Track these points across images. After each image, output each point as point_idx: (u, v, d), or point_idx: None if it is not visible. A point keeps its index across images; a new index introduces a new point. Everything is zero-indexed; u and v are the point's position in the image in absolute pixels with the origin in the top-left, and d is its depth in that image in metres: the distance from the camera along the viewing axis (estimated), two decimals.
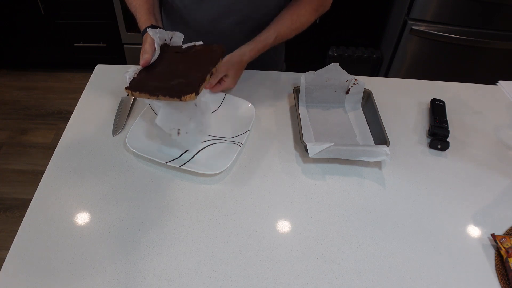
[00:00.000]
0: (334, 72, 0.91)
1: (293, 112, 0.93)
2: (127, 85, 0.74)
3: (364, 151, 0.78)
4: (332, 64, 0.90)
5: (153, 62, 0.79)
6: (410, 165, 0.83)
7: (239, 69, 0.91)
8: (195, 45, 0.83)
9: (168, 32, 0.83)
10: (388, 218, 0.73)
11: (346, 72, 0.91)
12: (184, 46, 0.83)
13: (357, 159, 0.80)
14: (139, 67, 0.77)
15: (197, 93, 0.71)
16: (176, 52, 0.82)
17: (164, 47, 0.83)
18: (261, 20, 0.96)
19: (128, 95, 0.75)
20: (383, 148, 0.78)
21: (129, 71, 0.76)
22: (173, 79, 0.74)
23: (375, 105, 0.91)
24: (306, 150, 0.79)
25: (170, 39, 0.83)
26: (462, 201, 0.77)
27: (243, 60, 0.91)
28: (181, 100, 0.70)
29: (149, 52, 0.77)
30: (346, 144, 0.80)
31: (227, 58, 0.89)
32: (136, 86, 0.74)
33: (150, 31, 0.79)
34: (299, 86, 0.93)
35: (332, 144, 0.77)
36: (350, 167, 0.82)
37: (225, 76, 0.90)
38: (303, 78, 0.91)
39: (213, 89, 0.91)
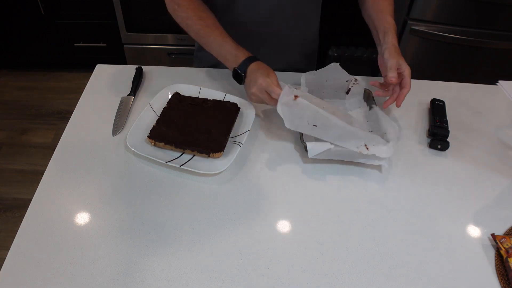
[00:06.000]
0: (334, 72, 0.91)
1: None
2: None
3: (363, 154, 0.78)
4: (332, 64, 0.90)
5: (171, 113, 0.86)
6: (410, 165, 0.83)
7: (400, 53, 0.86)
8: (208, 100, 0.90)
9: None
10: (388, 218, 0.73)
11: (346, 72, 0.91)
12: (198, 98, 0.90)
13: (356, 161, 0.80)
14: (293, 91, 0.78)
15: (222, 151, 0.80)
16: (191, 104, 0.89)
17: (179, 98, 0.90)
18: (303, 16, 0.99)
19: (152, 144, 0.80)
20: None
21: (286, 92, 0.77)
22: (196, 134, 0.82)
23: (374, 103, 0.91)
24: (306, 150, 0.79)
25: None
26: (462, 201, 0.77)
27: (395, 45, 0.87)
28: (209, 156, 0.79)
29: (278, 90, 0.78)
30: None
31: (386, 54, 0.85)
32: (160, 137, 0.80)
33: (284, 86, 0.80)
34: (299, 86, 0.93)
35: (332, 146, 0.77)
36: (350, 167, 0.82)
37: (399, 66, 0.84)
38: (303, 79, 0.91)
39: (404, 88, 0.85)
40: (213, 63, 1.03)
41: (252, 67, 0.82)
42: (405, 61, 0.85)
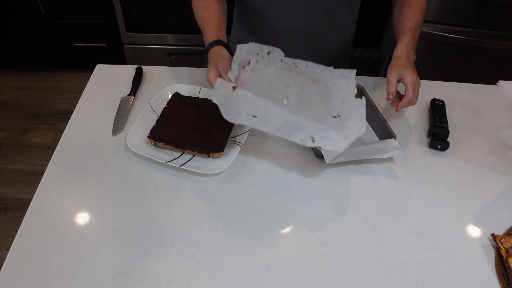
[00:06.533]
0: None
1: None
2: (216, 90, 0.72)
3: (376, 148, 0.79)
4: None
5: (171, 113, 0.86)
6: (410, 165, 0.83)
7: (405, 63, 0.83)
8: (208, 100, 0.90)
9: (267, 46, 0.82)
10: (388, 218, 0.73)
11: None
12: (198, 98, 0.91)
13: (371, 158, 0.80)
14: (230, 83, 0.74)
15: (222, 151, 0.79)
16: (191, 104, 0.89)
17: (179, 98, 0.90)
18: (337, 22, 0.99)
19: (152, 144, 0.80)
20: (393, 142, 0.80)
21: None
22: (196, 134, 0.82)
23: (370, 100, 0.91)
24: (319, 156, 0.79)
25: (268, 54, 0.83)
26: (462, 201, 0.77)
27: (401, 56, 0.84)
28: (209, 156, 0.78)
29: (228, 68, 0.76)
30: (359, 144, 0.80)
31: (388, 68, 0.84)
32: (160, 137, 0.80)
33: (239, 48, 0.79)
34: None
35: (347, 147, 0.76)
36: (350, 168, 0.82)
37: (401, 76, 0.82)
38: None
39: (404, 99, 0.81)
40: None
41: (209, 55, 0.81)
42: (410, 69, 0.82)
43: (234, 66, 0.75)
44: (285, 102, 0.75)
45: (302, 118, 0.70)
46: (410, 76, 0.81)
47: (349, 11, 0.99)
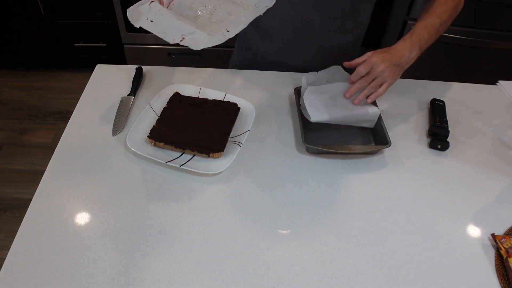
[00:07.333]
0: (335, 73, 0.91)
1: (293, 112, 0.93)
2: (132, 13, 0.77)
3: (361, 114, 0.83)
4: (333, 66, 0.90)
5: (171, 113, 0.86)
6: (410, 165, 0.83)
7: (388, 49, 0.81)
8: (208, 100, 0.90)
9: None
10: (388, 218, 0.73)
11: (348, 74, 0.91)
12: (198, 98, 0.91)
13: (355, 123, 0.84)
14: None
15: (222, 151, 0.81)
16: (191, 104, 0.89)
17: (179, 98, 0.90)
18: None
19: (152, 144, 0.81)
20: (373, 108, 0.84)
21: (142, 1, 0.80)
22: (196, 134, 0.82)
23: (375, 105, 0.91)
24: (308, 151, 0.79)
25: None
26: (462, 201, 0.77)
27: (394, 47, 0.82)
28: (209, 156, 0.79)
29: None
30: (343, 110, 0.84)
31: None
32: (160, 137, 0.80)
33: None
34: (300, 87, 0.93)
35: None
36: (350, 167, 0.82)
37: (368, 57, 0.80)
38: (304, 79, 0.90)
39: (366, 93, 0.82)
40: (247, 63, 1.10)
41: None
42: (388, 52, 0.80)
43: None
44: (198, 18, 0.81)
45: (182, 22, 0.76)
46: (377, 53, 0.79)
47: (353, 15, 0.98)
